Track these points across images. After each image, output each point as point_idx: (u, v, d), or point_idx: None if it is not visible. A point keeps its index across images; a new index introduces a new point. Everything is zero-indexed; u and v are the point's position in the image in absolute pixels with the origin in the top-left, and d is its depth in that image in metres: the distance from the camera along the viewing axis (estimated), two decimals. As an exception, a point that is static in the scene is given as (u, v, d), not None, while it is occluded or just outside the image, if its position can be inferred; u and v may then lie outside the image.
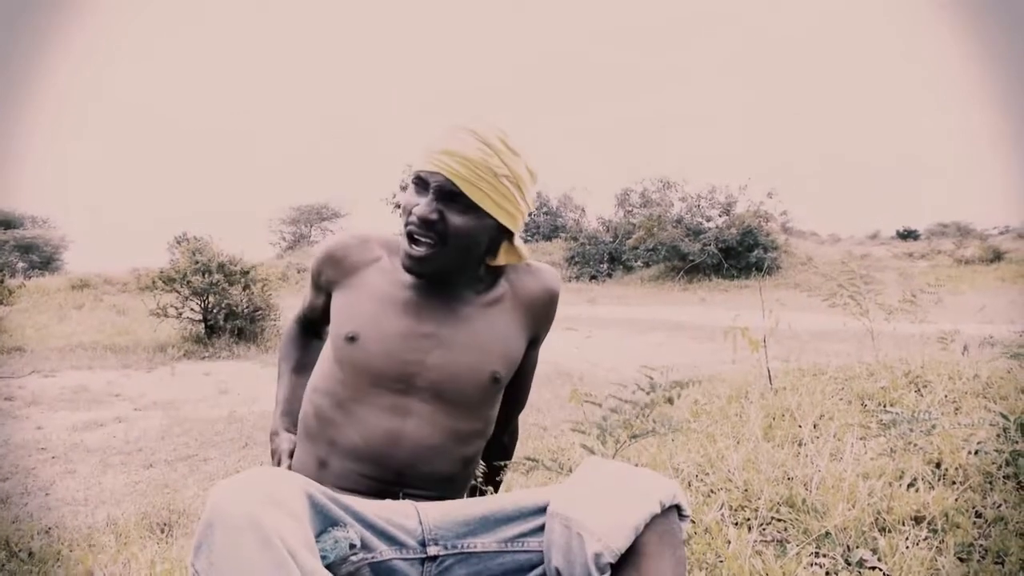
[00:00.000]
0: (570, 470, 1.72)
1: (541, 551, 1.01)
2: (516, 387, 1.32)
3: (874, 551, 1.41)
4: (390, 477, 1.13)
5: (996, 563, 1.36)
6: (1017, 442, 1.74)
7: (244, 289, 9.00)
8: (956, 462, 1.73)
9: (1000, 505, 1.56)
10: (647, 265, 18.76)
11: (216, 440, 4.48)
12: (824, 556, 1.42)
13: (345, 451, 1.14)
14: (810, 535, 1.48)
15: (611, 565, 0.91)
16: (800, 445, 1.99)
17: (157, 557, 1.92)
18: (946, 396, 2.36)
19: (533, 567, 1.02)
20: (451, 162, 1.09)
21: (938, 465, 1.76)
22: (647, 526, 0.93)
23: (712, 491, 1.74)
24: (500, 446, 1.40)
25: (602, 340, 8.69)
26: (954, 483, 1.67)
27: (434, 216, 1.11)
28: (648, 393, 1.65)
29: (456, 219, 1.12)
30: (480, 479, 1.39)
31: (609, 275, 19.24)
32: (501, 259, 1.21)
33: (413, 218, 1.12)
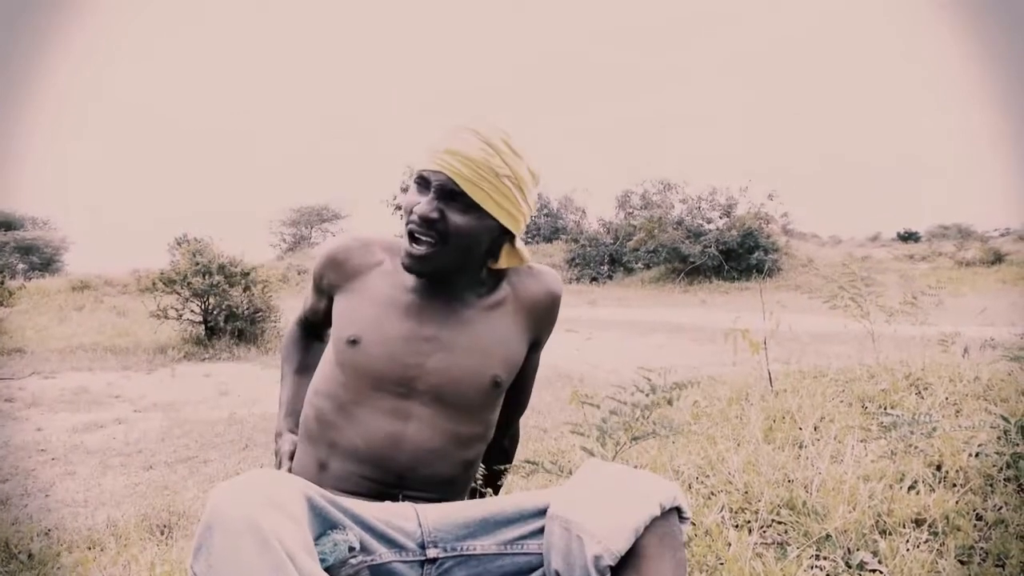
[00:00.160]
0: (570, 472, 1.71)
1: (541, 553, 1.01)
2: (517, 390, 1.32)
3: (875, 553, 1.41)
4: (390, 480, 1.13)
5: (997, 566, 1.36)
6: (1018, 444, 1.73)
7: (244, 291, 9.01)
8: (957, 464, 1.72)
9: (1001, 508, 1.55)
10: (648, 267, 18.74)
11: (216, 442, 4.48)
12: (824, 559, 1.42)
13: (346, 453, 1.14)
14: (810, 537, 1.47)
15: (611, 567, 0.91)
16: (800, 447, 1.99)
17: (157, 559, 1.92)
18: (947, 398, 2.36)
19: (533, 570, 1.02)
20: (453, 161, 1.09)
21: (939, 467, 1.76)
22: (647, 528, 0.93)
23: (712, 493, 1.74)
24: (501, 449, 1.40)
25: (602, 342, 8.69)
26: (955, 486, 1.67)
27: (435, 215, 1.11)
28: (648, 395, 1.65)
29: (457, 218, 1.12)
30: (480, 481, 1.39)
31: (610, 277, 19.23)
32: (502, 262, 1.21)
33: (414, 216, 1.12)
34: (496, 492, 1.43)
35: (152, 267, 12.40)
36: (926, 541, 1.45)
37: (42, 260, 22.14)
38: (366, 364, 1.14)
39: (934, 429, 1.85)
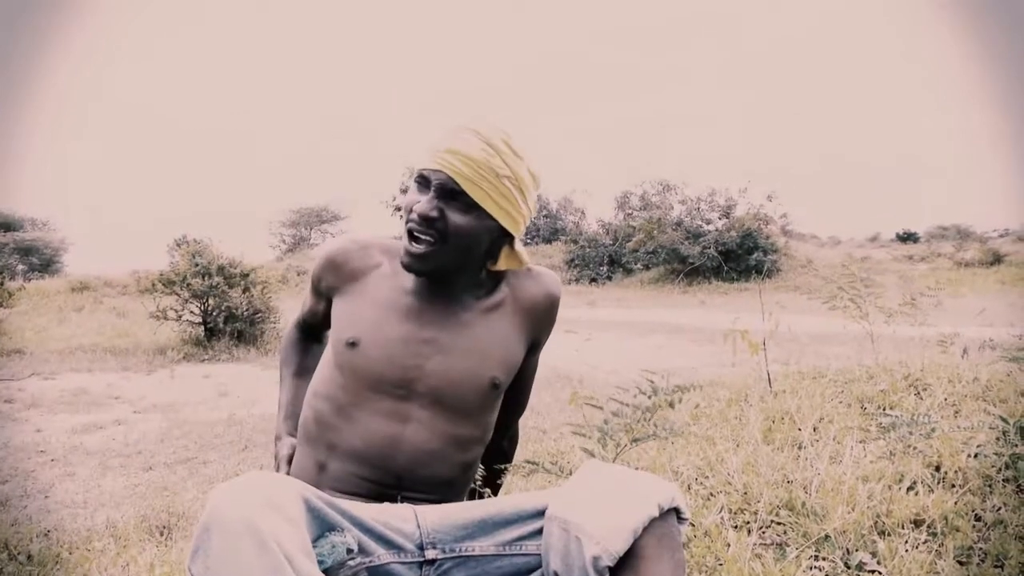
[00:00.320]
0: (570, 473, 1.71)
1: (539, 554, 1.01)
2: (516, 392, 1.32)
3: (873, 554, 1.41)
4: (389, 481, 1.13)
5: (995, 566, 1.36)
6: (1017, 445, 1.74)
7: (244, 292, 9.00)
8: (955, 465, 1.73)
9: (999, 508, 1.55)
10: (647, 268, 18.75)
11: (216, 443, 4.48)
12: (823, 559, 1.42)
13: (345, 455, 1.14)
14: (809, 538, 1.48)
15: (609, 568, 0.91)
16: (800, 448, 1.99)
17: (156, 560, 1.92)
18: (946, 399, 2.36)
19: (532, 570, 1.02)
20: (454, 160, 1.10)
21: (937, 468, 1.76)
22: (646, 529, 0.93)
23: (712, 494, 1.74)
24: (500, 451, 1.40)
25: (602, 343, 8.69)
26: (953, 486, 1.67)
27: (435, 213, 1.11)
28: (650, 397, 1.64)
29: (457, 217, 1.12)
30: (479, 482, 1.39)
31: (609, 278, 19.23)
32: (502, 264, 1.21)
33: (414, 215, 1.12)
34: (495, 493, 1.43)
35: (152, 268, 12.39)
36: (925, 542, 1.45)
37: (42, 261, 22.13)
38: (365, 366, 1.14)
39: (933, 430, 1.85)
